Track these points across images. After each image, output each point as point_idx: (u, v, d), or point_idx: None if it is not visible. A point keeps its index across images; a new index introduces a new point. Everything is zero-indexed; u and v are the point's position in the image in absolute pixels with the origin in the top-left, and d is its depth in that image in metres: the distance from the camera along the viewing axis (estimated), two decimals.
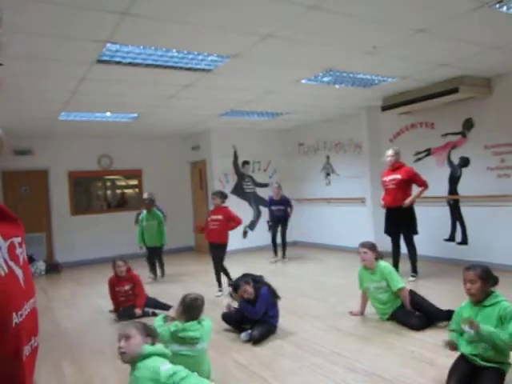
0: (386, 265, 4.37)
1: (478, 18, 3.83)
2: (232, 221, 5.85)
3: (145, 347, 2.40)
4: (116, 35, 3.75)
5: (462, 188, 6.76)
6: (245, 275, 4.43)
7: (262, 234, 9.93)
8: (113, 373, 3.53)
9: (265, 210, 10.13)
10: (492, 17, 3.82)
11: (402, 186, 5.94)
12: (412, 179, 5.97)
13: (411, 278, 5.92)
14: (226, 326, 4.42)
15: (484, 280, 2.75)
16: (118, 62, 4.48)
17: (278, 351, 3.78)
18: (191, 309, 3.18)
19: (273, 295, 4.28)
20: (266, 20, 3.63)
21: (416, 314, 4.15)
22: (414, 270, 6.01)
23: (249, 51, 4.38)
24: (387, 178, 6.13)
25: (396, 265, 6.01)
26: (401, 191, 5.95)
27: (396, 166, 6.07)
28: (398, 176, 5.97)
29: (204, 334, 3.13)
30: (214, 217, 5.90)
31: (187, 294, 3.32)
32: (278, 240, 8.43)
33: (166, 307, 5.00)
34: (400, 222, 6.02)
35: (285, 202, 8.29)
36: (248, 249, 9.45)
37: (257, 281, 4.37)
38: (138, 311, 5.01)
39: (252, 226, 9.95)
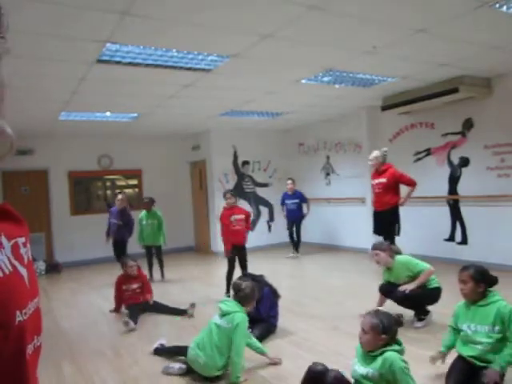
0: (402, 259, 4.19)
1: (478, 18, 3.83)
2: (246, 221, 5.79)
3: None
4: (116, 35, 3.74)
5: (462, 188, 6.76)
6: (244, 275, 4.43)
7: (261, 234, 9.94)
8: (113, 373, 3.53)
9: (265, 210, 10.15)
10: (492, 17, 3.82)
11: (389, 189, 5.98)
12: (398, 181, 5.98)
13: None
14: None
15: (476, 281, 2.74)
16: (118, 62, 4.48)
17: (278, 351, 3.77)
18: (243, 297, 3.40)
19: (273, 295, 4.28)
20: (266, 20, 3.63)
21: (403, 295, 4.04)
22: None
23: (249, 51, 4.38)
24: (374, 182, 6.19)
25: None
26: (388, 195, 5.99)
27: (382, 169, 6.07)
28: (384, 180, 5.98)
29: (233, 315, 3.22)
30: (237, 216, 5.69)
31: (246, 284, 3.47)
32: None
33: (177, 312, 4.99)
34: (384, 223, 6.10)
35: (299, 196, 8.51)
36: (248, 249, 9.42)
37: (257, 281, 4.37)
38: (150, 301, 5.16)
39: (252, 226, 9.95)
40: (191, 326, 4.66)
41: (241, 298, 3.40)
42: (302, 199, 8.52)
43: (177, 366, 3.40)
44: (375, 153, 6.16)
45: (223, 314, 3.28)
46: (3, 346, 0.53)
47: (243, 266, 5.73)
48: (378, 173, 6.14)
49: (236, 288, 3.47)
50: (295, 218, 8.55)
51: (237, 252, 5.76)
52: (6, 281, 0.55)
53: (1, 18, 0.59)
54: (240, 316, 3.25)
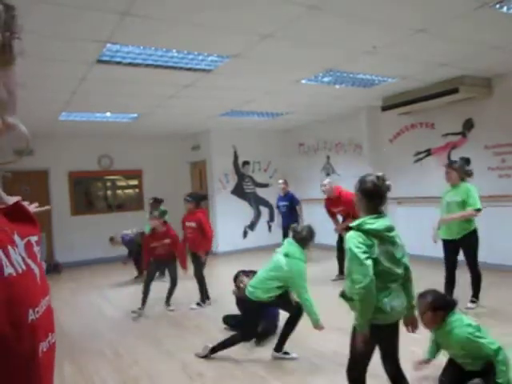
0: (470, 186, 4.54)
1: (478, 18, 3.83)
2: (202, 232, 5.25)
3: None
4: (116, 35, 3.74)
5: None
6: (243, 272, 4.49)
7: (261, 235, 9.93)
8: (113, 373, 3.53)
9: (265, 211, 10.15)
10: (492, 17, 3.82)
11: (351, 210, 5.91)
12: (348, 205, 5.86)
13: None
14: (226, 325, 4.43)
15: (434, 309, 2.70)
16: (118, 63, 4.48)
17: None
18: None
19: None
20: (266, 20, 3.63)
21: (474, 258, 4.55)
22: None
23: (249, 51, 4.38)
24: (335, 210, 6.18)
25: (341, 269, 6.30)
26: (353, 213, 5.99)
27: (335, 196, 6.05)
28: (342, 207, 6.01)
29: (295, 262, 3.46)
30: (187, 224, 5.36)
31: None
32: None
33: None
34: None
35: (290, 198, 7.83)
36: (248, 249, 9.45)
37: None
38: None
39: (252, 226, 9.95)
40: (194, 326, 4.66)
41: (299, 240, 3.58)
42: (293, 201, 7.74)
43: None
44: (327, 180, 6.16)
45: (286, 254, 3.48)
46: (16, 344, 0.54)
47: (195, 275, 5.46)
48: (332, 201, 6.08)
49: (294, 231, 3.67)
50: (287, 224, 7.50)
51: (191, 258, 5.46)
52: (20, 279, 0.56)
53: (15, 19, 0.60)
54: (301, 265, 3.47)
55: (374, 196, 2.36)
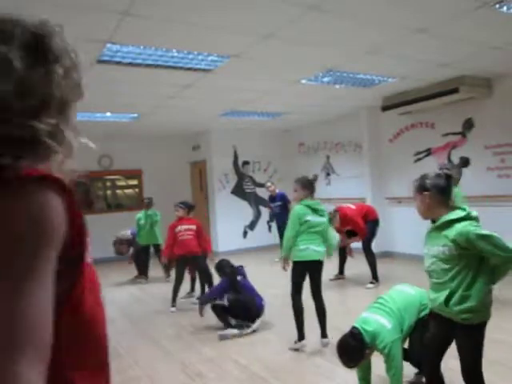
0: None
1: (478, 18, 3.83)
2: (202, 238, 5.43)
3: None
4: (116, 35, 3.75)
5: (462, 188, 6.74)
6: (240, 266, 4.84)
7: (261, 234, 9.93)
8: (113, 373, 3.53)
9: (265, 210, 10.15)
10: (492, 17, 3.82)
11: (356, 224, 5.97)
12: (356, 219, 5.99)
13: (370, 285, 5.85)
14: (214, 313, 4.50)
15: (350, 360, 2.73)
16: (118, 62, 4.48)
17: (278, 351, 3.78)
18: (309, 184, 4.15)
19: (230, 287, 4.51)
20: (266, 20, 3.63)
21: None
22: (374, 277, 5.95)
23: (249, 51, 4.38)
24: (344, 229, 6.20)
25: (341, 269, 6.42)
26: (359, 225, 5.98)
27: (343, 220, 6.02)
28: (349, 227, 6.09)
29: (323, 211, 4.08)
30: (186, 226, 5.38)
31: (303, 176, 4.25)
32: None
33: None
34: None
35: (282, 197, 8.14)
36: (248, 249, 9.45)
37: (224, 271, 4.67)
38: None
39: (252, 226, 9.95)
40: (190, 325, 4.67)
41: (312, 191, 4.13)
42: (285, 199, 8.08)
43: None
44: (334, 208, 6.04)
45: (321, 214, 4.01)
46: (102, 321, 0.79)
47: (202, 276, 5.53)
48: (342, 223, 6.04)
49: (300, 181, 4.14)
50: (281, 223, 7.69)
51: (189, 262, 5.47)
52: (91, 268, 0.77)
53: (77, 70, 0.79)
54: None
55: (449, 189, 2.35)
